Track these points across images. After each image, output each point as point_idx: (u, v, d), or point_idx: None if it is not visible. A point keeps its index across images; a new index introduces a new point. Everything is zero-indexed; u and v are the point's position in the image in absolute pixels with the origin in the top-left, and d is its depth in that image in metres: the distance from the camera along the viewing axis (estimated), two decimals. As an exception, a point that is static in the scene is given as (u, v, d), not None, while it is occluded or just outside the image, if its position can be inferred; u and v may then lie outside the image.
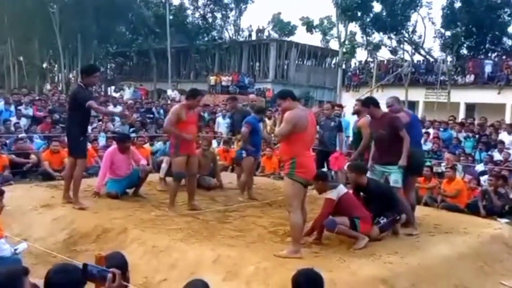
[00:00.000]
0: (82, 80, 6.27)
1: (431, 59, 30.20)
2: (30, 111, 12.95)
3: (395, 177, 5.75)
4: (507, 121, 16.93)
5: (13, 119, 12.05)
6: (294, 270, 3.60)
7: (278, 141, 4.74)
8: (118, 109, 14.97)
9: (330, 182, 5.56)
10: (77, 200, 6.19)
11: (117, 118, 13.81)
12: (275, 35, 38.11)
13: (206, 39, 36.29)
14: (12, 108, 12.63)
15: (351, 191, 5.59)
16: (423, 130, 12.76)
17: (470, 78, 24.85)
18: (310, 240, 5.21)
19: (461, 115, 21.77)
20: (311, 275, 3.07)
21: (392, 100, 6.20)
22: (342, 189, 5.32)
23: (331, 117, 8.55)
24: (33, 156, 10.35)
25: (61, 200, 6.38)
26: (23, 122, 12.26)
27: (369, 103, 6.08)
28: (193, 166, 6.44)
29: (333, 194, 5.19)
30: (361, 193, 5.72)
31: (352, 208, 5.27)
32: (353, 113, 7.24)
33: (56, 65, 35.95)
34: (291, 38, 37.93)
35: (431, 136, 12.63)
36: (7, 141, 10.86)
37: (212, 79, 29.59)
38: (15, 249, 4.42)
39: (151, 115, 15.81)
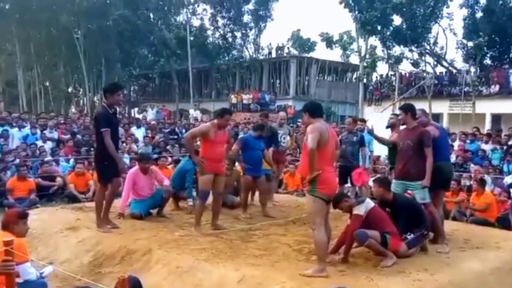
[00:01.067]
0: (106, 100, 6.23)
1: (454, 70, 29.81)
2: (55, 135, 13.21)
3: (422, 195, 5.62)
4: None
5: (39, 143, 12.29)
6: (320, 289, 3.53)
7: (309, 156, 4.58)
8: (141, 130, 15.16)
9: (353, 198, 5.45)
10: (102, 223, 6.17)
11: (140, 139, 13.97)
12: (295, 52, 38.22)
13: (226, 58, 36.67)
14: (38, 131, 12.90)
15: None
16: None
17: (495, 88, 24.41)
18: (336, 258, 5.10)
19: (487, 126, 21.33)
20: None
21: (419, 113, 6.07)
22: (370, 203, 5.21)
23: (353, 132, 8.46)
24: (58, 179, 10.53)
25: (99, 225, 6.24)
26: (49, 145, 12.49)
27: (408, 110, 5.92)
28: (220, 185, 6.34)
29: (361, 209, 5.09)
30: (387, 209, 5.60)
31: (383, 223, 5.15)
32: (387, 127, 7.11)
33: (81, 89, 36.76)
34: (311, 54, 37.99)
35: (455, 148, 12.39)
36: (32, 165, 11.06)
37: (233, 97, 29.79)
38: (41, 273, 4.44)
39: (175, 136, 15.93)
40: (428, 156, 5.59)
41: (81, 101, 37.00)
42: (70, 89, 36.04)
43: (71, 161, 11.77)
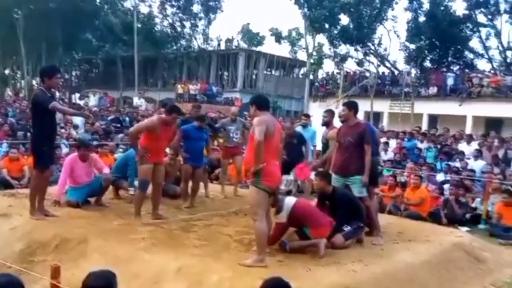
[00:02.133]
0: (43, 83, 5.90)
1: (396, 71, 30.89)
2: (-13, 118, 12.55)
3: (359, 188, 5.80)
4: (468, 132, 17.41)
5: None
6: (259, 279, 3.58)
7: (256, 148, 4.60)
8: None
9: (279, 196, 5.40)
10: (35, 211, 5.92)
11: (80, 124, 13.54)
12: (244, 45, 38.24)
13: (174, 47, 36.10)
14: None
15: (302, 199, 5.58)
16: (383, 140, 13.06)
17: (433, 90, 25.50)
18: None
19: (424, 126, 22.25)
20: (279, 284, 3.01)
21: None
22: (289, 203, 5.23)
23: (292, 135, 8.40)
24: (-9, 164, 10.00)
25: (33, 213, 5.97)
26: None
27: (352, 107, 6.06)
28: (159, 175, 6.30)
29: (282, 216, 5.16)
30: (326, 201, 5.75)
31: (303, 219, 5.25)
32: (323, 124, 7.30)
33: (19, 72, 35.06)
34: (260, 49, 38.18)
35: (393, 146, 12.87)
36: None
37: (180, 87, 29.42)
38: None
39: (118, 124, 15.53)
40: (367, 152, 5.77)
41: (18, 84, 35.33)
42: (7, 71, 34.29)
43: (5, 145, 11.21)
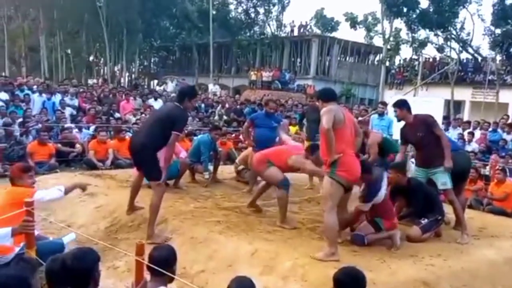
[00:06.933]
0: (182, 103, 5.33)
1: (479, 58, 29.20)
2: (75, 102, 13.33)
3: (442, 179, 5.55)
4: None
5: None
6: (333, 267, 3.57)
7: (326, 136, 4.44)
8: (159, 102, 15.18)
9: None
10: (153, 233, 5.20)
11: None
12: (317, 31, 37.75)
13: (248, 34, 36.34)
14: (57, 98, 13.03)
15: None
16: (469, 130, 12.44)
17: (520, 78, 23.94)
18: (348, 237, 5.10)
19: (510, 116, 20.95)
20: (354, 273, 3.00)
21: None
22: (382, 194, 5.06)
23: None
24: (78, 146, 10.65)
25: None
26: (68, 112, 12.61)
27: (401, 106, 5.83)
28: None
29: (368, 206, 5.00)
30: (400, 195, 5.59)
31: (381, 209, 5.12)
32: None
33: (102, 59, 36.90)
34: (334, 34, 37.51)
35: (476, 137, 12.23)
36: (53, 131, 11.18)
37: (253, 74, 29.64)
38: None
39: (194, 110, 15.94)
40: (441, 137, 5.55)
41: (102, 71, 37.23)
42: (91, 58, 36.22)
43: (92, 128, 11.89)
